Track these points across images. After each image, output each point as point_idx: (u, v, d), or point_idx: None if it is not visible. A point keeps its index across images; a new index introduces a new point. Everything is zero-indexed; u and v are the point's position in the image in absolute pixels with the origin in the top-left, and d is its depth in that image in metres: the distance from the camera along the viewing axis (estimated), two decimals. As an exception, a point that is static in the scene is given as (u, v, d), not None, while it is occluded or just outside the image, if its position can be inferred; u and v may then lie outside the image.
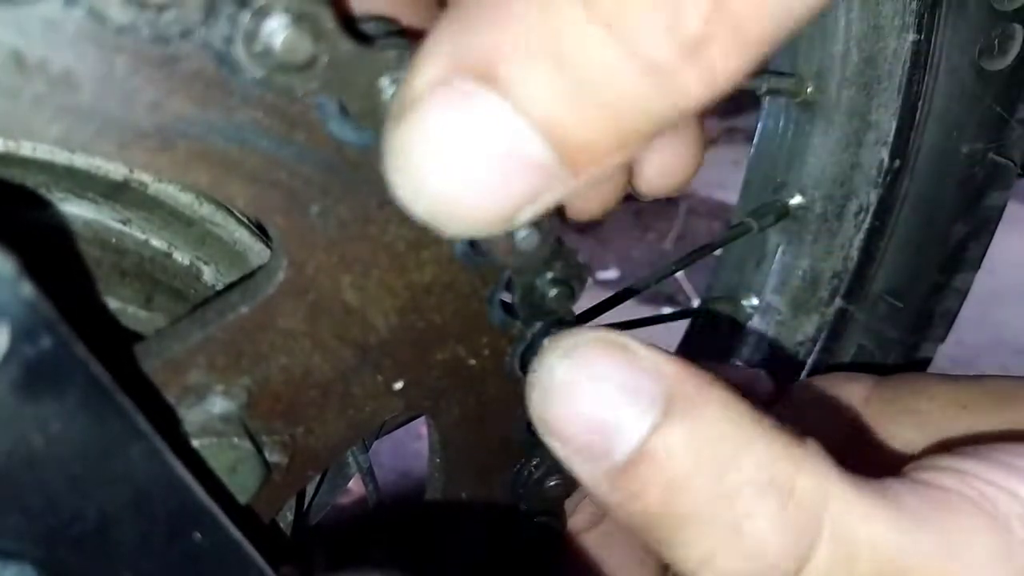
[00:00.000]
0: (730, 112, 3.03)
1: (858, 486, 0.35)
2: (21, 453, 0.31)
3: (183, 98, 0.32)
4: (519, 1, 0.26)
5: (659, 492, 0.34)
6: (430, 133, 0.28)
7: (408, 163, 0.29)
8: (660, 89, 0.27)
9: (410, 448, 1.76)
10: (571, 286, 0.42)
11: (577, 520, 0.55)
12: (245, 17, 0.31)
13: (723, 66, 0.27)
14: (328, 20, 0.33)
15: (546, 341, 0.37)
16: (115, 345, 0.36)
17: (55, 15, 0.30)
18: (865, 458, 0.46)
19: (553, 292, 0.41)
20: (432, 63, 0.28)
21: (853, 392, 0.55)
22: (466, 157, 0.27)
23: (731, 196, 0.95)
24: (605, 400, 0.34)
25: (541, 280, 0.41)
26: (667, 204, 2.58)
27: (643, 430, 0.33)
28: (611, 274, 2.32)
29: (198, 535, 0.36)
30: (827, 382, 0.57)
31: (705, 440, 0.34)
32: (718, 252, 0.97)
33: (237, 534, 0.37)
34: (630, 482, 0.34)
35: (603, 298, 0.82)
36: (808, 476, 0.34)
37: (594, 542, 0.55)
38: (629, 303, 0.86)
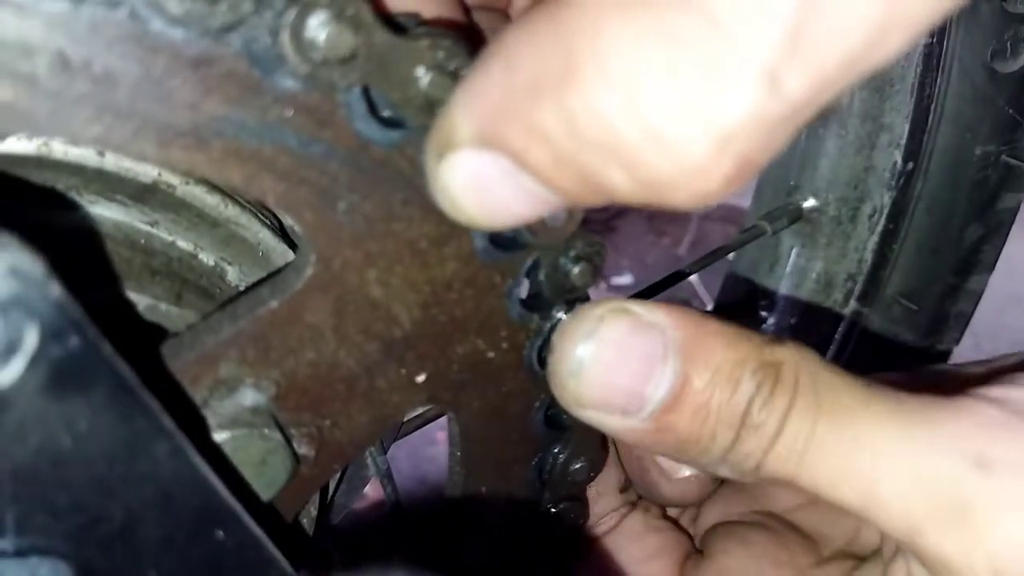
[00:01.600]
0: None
1: (846, 377, 0.41)
2: (49, 452, 0.31)
3: (218, 98, 0.33)
4: (540, 82, 0.31)
5: (687, 421, 0.40)
6: (460, 178, 0.35)
7: (446, 194, 0.36)
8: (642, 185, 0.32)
9: (425, 453, 1.76)
10: (593, 262, 0.44)
11: (598, 525, 0.56)
12: (291, 13, 0.33)
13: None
14: (367, 13, 0.34)
15: (559, 325, 0.42)
16: (142, 344, 0.37)
17: (99, 16, 0.31)
18: None
19: (577, 269, 0.43)
20: (466, 117, 0.34)
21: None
22: (489, 194, 0.35)
23: (745, 201, 0.96)
24: (631, 367, 0.40)
25: (565, 258, 0.43)
26: (680, 210, 2.59)
27: (669, 380, 0.40)
28: (626, 279, 2.33)
29: (221, 533, 0.36)
30: None
31: (713, 367, 0.40)
32: (732, 256, 0.97)
33: (259, 532, 0.37)
34: (664, 419, 0.40)
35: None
36: (789, 362, 0.40)
37: (614, 544, 0.56)
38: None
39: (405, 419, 0.45)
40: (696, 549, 0.57)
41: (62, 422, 0.31)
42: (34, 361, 0.29)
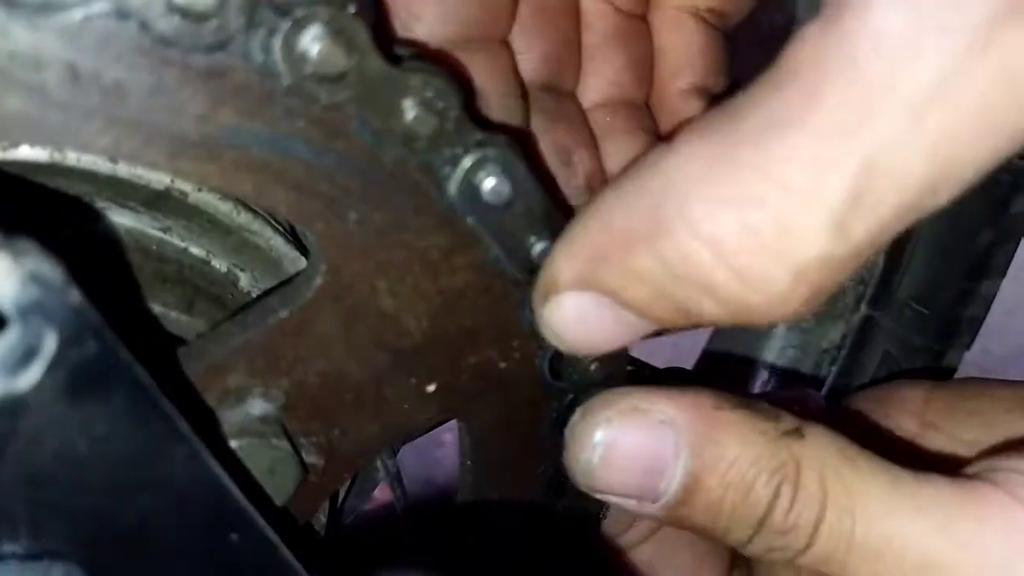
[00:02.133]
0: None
1: (873, 468, 0.42)
2: (66, 456, 0.31)
3: (230, 110, 0.33)
4: (633, 234, 0.36)
5: (701, 513, 0.42)
6: (563, 316, 0.40)
7: (551, 330, 0.41)
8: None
9: (432, 455, 1.77)
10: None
11: (631, 534, 0.56)
12: (284, 26, 0.33)
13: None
14: (363, 36, 0.34)
15: (573, 418, 0.44)
16: (157, 349, 0.37)
17: (108, 28, 0.31)
18: (927, 461, 0.48)
19: (594, 365, 0.45)
20: (568, 265, 0.39)
21: (913, 395, 0.56)
22: (589, 327, 0.40)
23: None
24: (641, 466, 0.42)
25: None
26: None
27: (679, 479, 0.41)
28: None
29: (235, 537, 0.36)
30: (887, 387, 0.59)
31: (725, 463, 0.41)
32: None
33: (274, 536, 0.38)
34: (677, 511, 0.43)
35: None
36: (810, 461, 0.41)
37: (650, 554, 0.56)
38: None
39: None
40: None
41: (79, 426, 0.31)
42: (53, 366, 0.29)
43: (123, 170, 0.43)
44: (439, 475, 1.69)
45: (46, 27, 0.30)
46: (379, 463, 0.60)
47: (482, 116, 0.41)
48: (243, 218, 0.46)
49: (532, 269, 0.41)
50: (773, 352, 0.98)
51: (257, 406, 0.39)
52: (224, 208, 0.46)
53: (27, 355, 0.28)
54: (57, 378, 0.29)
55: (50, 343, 0.28)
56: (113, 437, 0.32)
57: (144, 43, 0.31)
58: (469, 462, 0.48)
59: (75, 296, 0.29)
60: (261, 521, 0.37)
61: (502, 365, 0.44)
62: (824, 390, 0.95)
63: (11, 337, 0.28)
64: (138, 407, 0.32)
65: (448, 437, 1.79)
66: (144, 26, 0.31)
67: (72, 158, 0.42)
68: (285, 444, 0.39)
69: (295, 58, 0.33)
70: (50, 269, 0.28)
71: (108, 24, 0.31)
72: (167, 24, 0.31)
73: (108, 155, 0.34)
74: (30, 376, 0.28)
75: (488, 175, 0.38)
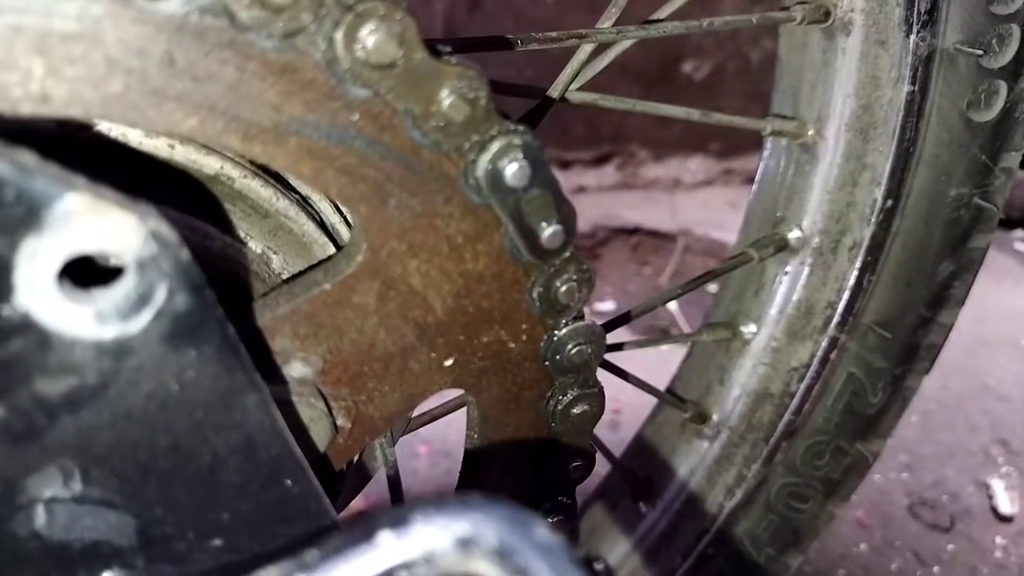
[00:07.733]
0: (727, 154, 3.10)
1: None
2: (159, 396, 0.35)
3: (298, 102, 0.38)
4: None
5: None
6: None
7: None
8: None
9: (408, 466, 1.79)
10: (582, 285, 0.49)
11: None
12: (347, 19, 0.38)
13: None
14: (412, 31, 0.39)
15: None
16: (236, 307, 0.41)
17: (204, 23, 0.36)
18: None
19: (564, 288, 0.48)
20: None
21: None
22: None
23: (726, 235, 1.01)
24: None
25: (559, 280, 0.48)
26: (664, 240, 2.65)
27: None
28: (608, 306, 2.38)
29: (289, 483, 0.40)
30: None
31: None
32: (713, 287, 1.02)
33: (319, 486, 0.41)
34: None
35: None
36: None
37: None
38: (624, 333, 0.90)
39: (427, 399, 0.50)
40: None
41: (173, 369, 0.35)
42: (159, 314, 0.33)
43: (179, 154, 0.47)
44: (414, 485, 1.72)
45: (151, 18, 0.35)
46: (378, 452, 0.63)
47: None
48: (281, 204, 0.51)
49: (542, 253, 0.46)
50: (745, 370, 1.02)
51: (297, 368, 0.43)
52: (265, 194, 0.50)
53: (140, 302, 0.32)
54: (161, 325, 0.34)
55: (160, 294, 0.33)
56: (200, 382, 0.36)
57: (233, 38, 0.36)
58: (475, 435, 0.52)
59: (185, 255, 0.33)
60: (311, 472, 0.41)
61: (511, 345, 0.49)
62: (792, 406, 1.00)
63: (128, 285, 0.32)
64: (224, 357, 0.36)
65: (423, 449, 1.82)
66: (231, 16, 0.36)
67: (135, 140, 0.46)
68: (321, 404, 0.44)
69: (353, 47, 0.38)
70: (167, 230, 0.32)
71: (204, 19, 0.36)
72: (249, 14, 0.36)
73: (191, 137, 0.38)
74: (140, 321, 0.33)
75: (512, 160, 0.43)
